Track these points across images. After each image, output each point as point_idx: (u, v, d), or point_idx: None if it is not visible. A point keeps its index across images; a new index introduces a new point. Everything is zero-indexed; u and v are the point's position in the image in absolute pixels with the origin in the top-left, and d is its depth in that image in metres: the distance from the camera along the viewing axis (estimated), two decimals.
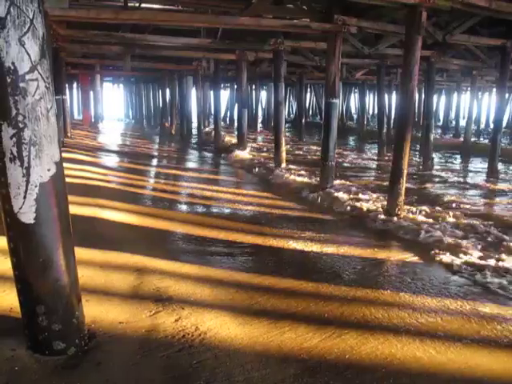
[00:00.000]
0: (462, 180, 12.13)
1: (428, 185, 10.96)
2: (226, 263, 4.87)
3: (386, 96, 21.99)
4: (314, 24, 8.97)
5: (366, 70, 19.45)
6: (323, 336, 3.40)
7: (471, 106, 19.23)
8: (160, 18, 9.13)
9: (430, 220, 7.03)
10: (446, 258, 5.29)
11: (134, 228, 5.93)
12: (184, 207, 7.79)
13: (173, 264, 4.59)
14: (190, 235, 5.84)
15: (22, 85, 2.49)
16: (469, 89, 22.71)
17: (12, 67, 2.44)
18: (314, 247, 5.56)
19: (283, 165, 12.12)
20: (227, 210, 7.52)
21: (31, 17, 2.49)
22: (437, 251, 5.48)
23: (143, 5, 10.71)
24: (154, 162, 14.04)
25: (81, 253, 3.05)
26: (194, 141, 19.92)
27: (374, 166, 14.59)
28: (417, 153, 16.09)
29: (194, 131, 21.85)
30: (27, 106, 2.52)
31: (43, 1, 2.63)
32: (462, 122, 23.51)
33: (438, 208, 7.90)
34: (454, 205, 8.50)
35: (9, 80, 2.45)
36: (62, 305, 2.80)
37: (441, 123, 29.09)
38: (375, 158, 16.29)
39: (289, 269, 4.91)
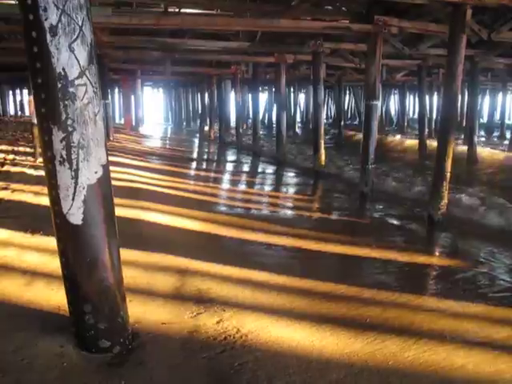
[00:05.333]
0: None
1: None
2: (267, 265, 4.87)
3: (427, 97, 21.46)
4: (355, 25, 8.86)
5: (407, 71, 19.07)
6: (365, 341, 3.34)
7: None
8: (200, 22, 9.24)
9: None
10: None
11: (175, 230, 6.01)
12: (224, 209, 7.82)
13: (214, 266, 4.62)
14: (230, 237, 5.87)
15: (71, 90, 2.56)
16: None
17: (62, 73, 2.52)
18: (355, 251, 5.50)
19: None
20: (264, 212, 7.56)
21: (80, 24, 2.55)
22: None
23: (182, 10, 10.86)
24: (194, 165, 14.20)
25: (124, 254, 3.10)
26: (232, 144, 20.02)
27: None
28: None
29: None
30: (76, 111, 2.59)
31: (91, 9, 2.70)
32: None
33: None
34: None
35: (59, 85, 2.53)
36: (107, 304, 2.86)
37: (484, 125, 28.12)
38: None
39: (329, 272, 4.86)
